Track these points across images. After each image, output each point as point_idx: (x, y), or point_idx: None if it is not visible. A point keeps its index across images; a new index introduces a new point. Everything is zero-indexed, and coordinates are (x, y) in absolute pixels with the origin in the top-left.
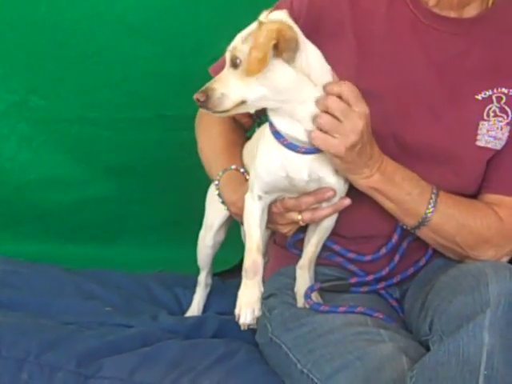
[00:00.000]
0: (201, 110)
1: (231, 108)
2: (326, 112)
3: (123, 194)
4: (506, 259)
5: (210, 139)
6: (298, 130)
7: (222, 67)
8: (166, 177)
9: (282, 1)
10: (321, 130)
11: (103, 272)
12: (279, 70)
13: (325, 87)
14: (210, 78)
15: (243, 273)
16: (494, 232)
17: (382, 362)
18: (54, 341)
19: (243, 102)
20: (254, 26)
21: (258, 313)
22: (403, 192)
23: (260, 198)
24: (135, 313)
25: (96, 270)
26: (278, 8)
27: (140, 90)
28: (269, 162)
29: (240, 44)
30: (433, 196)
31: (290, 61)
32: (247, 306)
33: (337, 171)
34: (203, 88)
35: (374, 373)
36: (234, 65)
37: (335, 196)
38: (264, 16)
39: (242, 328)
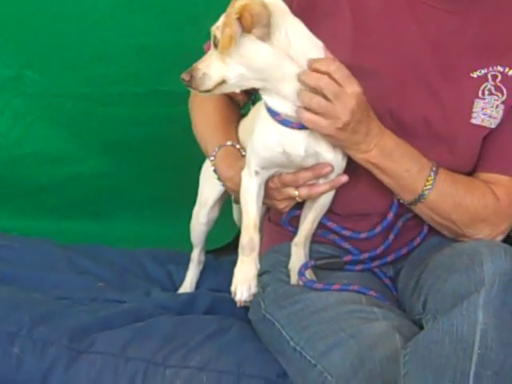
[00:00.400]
0: None
1: (213, 88)
2: (316, 92)
3: (117, 170)
4: (500, 238)
5: (204, 116)
6: (287, 107)
7: None
8: (160, 153)
9: None
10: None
11: (96, 247)
12: (253, 46)
13: (311, 64)
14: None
15: (240, 249)
16: (490, 211)
17: (375, 339)
18: (47, 315)
19: (224, 82)
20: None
21: (254, 289)
22: (402, 168)
23: (257, 173)
24: (128, 288)
25: (89, 246)
26: None
27: (135, 65)
28: (265, 138)
29: (220, 23)
30: (432, 174)
31: (264, 37)
32: (243, 282)
33: (335, 147)
34: (190, 68)
35: (368, 351)
36: (215, 44)
37: (333, 172)
38: None
39: (238, 305)
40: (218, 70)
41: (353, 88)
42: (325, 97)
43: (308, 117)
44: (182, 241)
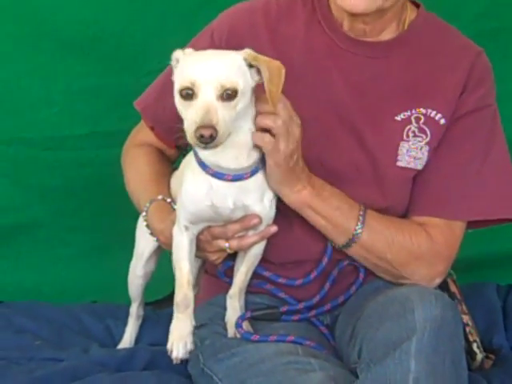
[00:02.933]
0: (128, 142)
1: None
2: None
3: (58, 219)
4: (439, 280)
5: (136, 171)
6: (227, 157)
7: (149, 101)
8: (100, 198)
9: (202, 32)
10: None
11: (34, 304)
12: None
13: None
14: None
15: (174, 307)
16: (424, 249)
17: None
18: None
19: (229, 135)
20: (230, 57)
21: (190, 346)
22: (332, 207)
23: (187, 228)
24: (66, 346)
25: (26, 303)
26: (199, 38)
27: (76, 107)
28: (194, 192)
29: (232, 78)
30: (361, 212)
31: None
32: (179, 339)
33: (263, 198)
34: (205, 123)
35: None
36: (226, 98)
37: (261, 223)
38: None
39: (175, 362)
40: (231, 123)
41: (296, 120)
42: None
43: (268, 138)
44: (123, 293)
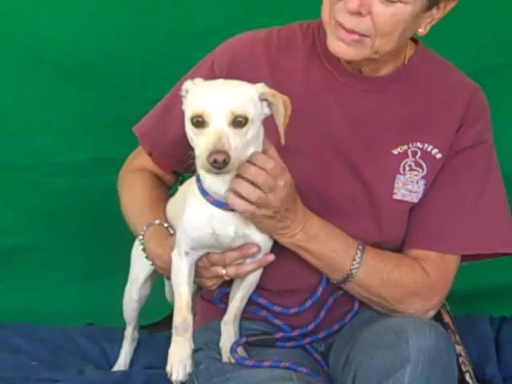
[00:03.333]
0: (124, 168)
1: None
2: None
3: (55, 242)
4: (433, 312)
5: (133, 196)
6: (222, 189)
7: (148, 127)
8: (98, 222)
9: (202, 61)
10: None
11: (30, 326)
12: None
13: (252, 157)
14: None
15: (173, 330)
16: (420, 285)
17: None
18: None
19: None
20: (239, 87)
21: (189, 369)
22: (328, 249)
23: (187, 254)
24: (61, 367)
25: (23, 324)
26: (199, 68)
27: (74, 134)
28: (196, 219)
29: (244, 106)
30: (358, 252)
31: None
32: (179, 362)
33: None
34: (218, 148)
35: None
36: (237, 125)
37: (260, 252)
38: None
39: None
40: (242, 150)
41: (285, 179)
42: (259, 188)
43: (241, 204)
44: (119, 316)
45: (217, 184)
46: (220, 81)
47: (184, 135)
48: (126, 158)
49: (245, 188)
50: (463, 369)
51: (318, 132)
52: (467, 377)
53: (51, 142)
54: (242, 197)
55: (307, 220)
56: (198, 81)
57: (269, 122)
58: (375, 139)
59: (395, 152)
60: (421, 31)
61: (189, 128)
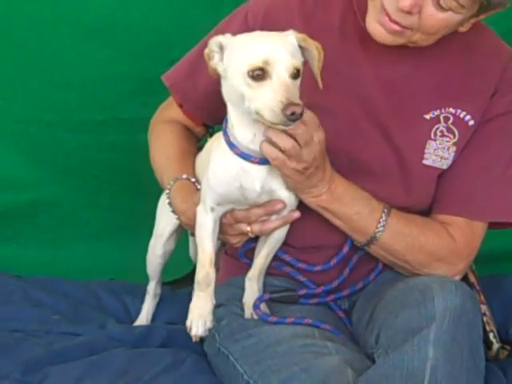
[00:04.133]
0: (155, 118)
1: None
2: (290, 136)
3: (77, 198)
4: (458, 277)
5: (162, 147)
6: (254, 143)
7: (178, 77)
8: (120, 180)
9: (236, 12)
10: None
11: (52, 279)
12: None
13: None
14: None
15: (195, 285)
16: (446, 251)
17: (327, 374)
18: (0, 349)
19: None
20: (288, 38)
21: (209, 324)
22: (352, 211)
23: (212, 209)
24: (83, 321)
25: (45, 278)
26: (232, 18)
27: (96, 93)
28: (223, 172)
29: (294, 57)
30: (383, 215)
31: None
32: (199, 317)
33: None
34: (293, 100)
35: None
36: (295, 77)
37: (285, 209)
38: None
39: (194, 339)
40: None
41: (319, 136)
42: (296, 141)
43: (276, 155)
44: (140, 272)
45: (248, 135)
46: (260, 33)
47: (214, 87)
48: (148, 118)
49: (281, 138)
50: (487, 328)
51: (349, 92)
52: (491, 336)
53: (72, 100)
54: (276, 146)
55: (333, 181)
56: (229, 36)
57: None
58: (407, 103)
59: (427, 117)
60: (461, 29)
61: (241, 82)
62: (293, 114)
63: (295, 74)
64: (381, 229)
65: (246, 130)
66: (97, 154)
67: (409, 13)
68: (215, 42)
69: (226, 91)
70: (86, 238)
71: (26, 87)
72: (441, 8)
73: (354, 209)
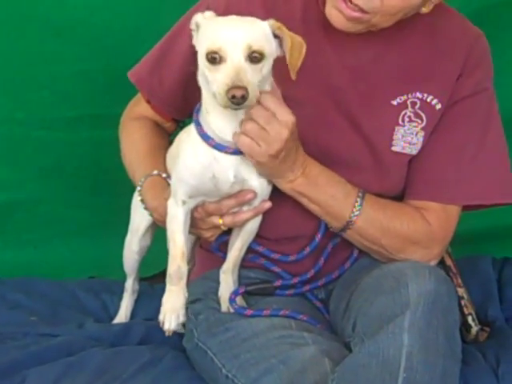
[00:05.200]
0: (125, 115)
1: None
2: (252, 119)
3: (52, 196)
4: (434, 262)
5: (132, 144)
6: (229, 131)
7: (143, 73)
8: (94, 177)
9: (197, 5)
10: (247, 135)
11: (29, 280)
12: None
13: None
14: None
15: (167, 278)
16: (421, 235)
17: (304, 364)
18: None
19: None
20: (253, 23)
21: (182, 318)
22: (327, 195)
23: (184, 202)
24: (61, 321)
25: (21, 279)
26: (193, 11)
27: (67, 90)
28: (195, 163)
29: (260, 41)
30: (358, 199)
31: None
32: (172, 311)
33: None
34: (237, 83)
35: (298, 376)
36: (253, 60)
37: (256, 198)
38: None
39: (167, 334)
40: (260, 84)
41: (285, 116)
42: (259, 124)
43: (243, 140)
44: (117, 269)
45: (223, 124)
46: (233, 16)
47: (180, 82)
48: (119, 114)
49: (244, 123)
50: (465, 311)
51: (316, 82)
52: (469, 319)
53: (43, 98)
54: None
55: (307, 165)
56: (209, 15)
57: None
58: (374, 89)
59: (394, 103)
60: (424, 10)
61: (203, 65)
62: (233, 97)
63: (256, 58)
64: (356, 213)
65: (220, 116)
66: (70, 150)
67: None
68: (194, 19)
69: (199, 74)
70: (63, 237)
71: None
72: None
73: (328, 192)
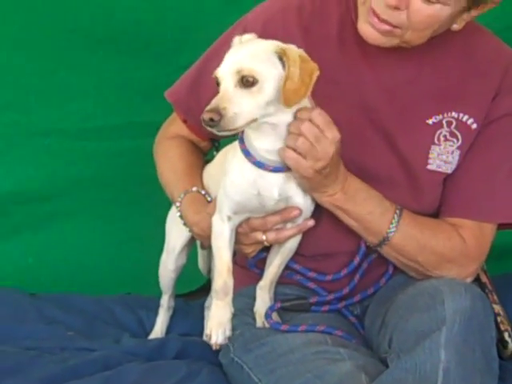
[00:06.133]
0: (160, 135)
1: (243, 126)
2: (302, 135)
3: (93, 208)
4: (470, 279)
5: (169, 162)
6: (270, 147)
7: (181, 92)
8: (136, 186)
9: (236, 24)
10: (294, 151)
11: (66, 296)
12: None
13: (297, 112)
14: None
15: (213, 294)
16: (457, 253)
17: (341, 380)
18: (15, 367)
19: (255, 120)
20: (253, 46)
21: (229, 333)
22: (365, 211)
23: (229, 218)
24: (98, 336)
25: (59, 295)
26: (232, 31)
27: (109, 99)
28: (241, 180)
29: (251, 65)
30: (395, 216)
31: None
32: (219, 326)
33: (305, 192)
34: (212, 107)
35: None
36: (246, 84)
37: (300, 215)
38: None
39: (214, 348)
40: (252, 109)
41: (332, 133)
42: (307, 140)
43: (291, 155)
44: (153, 285)
45: (263, 142)
46: (250, 39)
47: None
48: (161, 122)
49: (291, 137)
50: (502, 328)
51: (352, 102)
52: (506, 336)
53: (87, 108)
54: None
55: (346, 180)
56: (247, 37)
57: None
58: (410, 109)
59: (430, 122)
60: (455, 27)
61: None
62: (203, 119)
63: (248, 82)
64: (393, 229)
65: (259, 134)
66: (113, 160)
67: (396, 8)
68: (233, 42)
69: None
70: (100, 252)
71: (41, 99)
72: (428, 1)
73: (367, 208)
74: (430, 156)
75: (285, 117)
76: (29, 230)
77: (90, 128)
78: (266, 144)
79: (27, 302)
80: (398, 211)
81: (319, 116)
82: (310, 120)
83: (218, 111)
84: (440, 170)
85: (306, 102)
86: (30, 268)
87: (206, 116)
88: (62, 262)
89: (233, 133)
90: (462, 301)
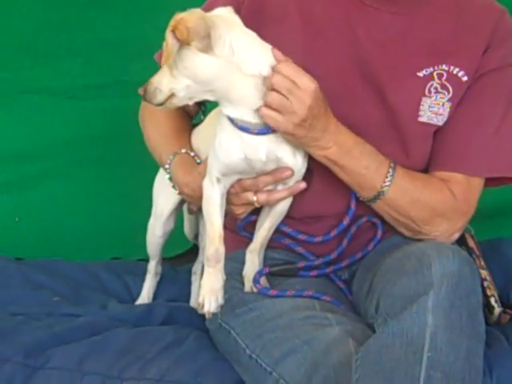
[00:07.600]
0: None
1: (164, 101)
2: (274, 90)
3: (78, 168)
4: (457, 235)
5: (156, 126)
6: (243, 113)
7: None
8: (124, 145)
9: None
10: (270, 107)
11: (52, 262)
12: (195, 58)
13: (273, 67)
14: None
15: (205, 261)
16: (447, 207)
17: (328, 345)
18: (1, 332)
19: (173, 95)
20: None
21: (221, 300)
22: (361, 165)
23: (219, 180)
24: (84, 302)
25: (44, 260)
26: None
27: (99, 58)
28: (227, 145)
29: (167, 39)
30: (390, 170)
31: (206, 49)
32: (211, 293)
33: (295, 151)
34: (146, 82)
35: (321, 356)
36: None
37: (292, 176)
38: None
39: (207, 316)
40: (168, 83)
41: (305, 83)
42: (282, 94)
43: (266, 112)
44: (141, 249)
45: (232, 110)
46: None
47: None
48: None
49: (265, 94)
50: (488, 293)
51: (342, 55)
52: (492, 301)
53: (77, 66)
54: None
55: (341, 133)
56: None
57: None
58: (401, 62)
59: (421, 74)
60: None
61: None
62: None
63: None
64: (388, 183)
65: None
66: (101, 119)
67: None
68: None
69: None
70: (87, 214)
71: (30, 56)
72: None
73: (362, 163)
74: (421, 108)
75: (236, 90)
76: (16, 188)
77: (79, 86)
78: (233, 112)
79: (12, 267)
80: (392, 165)
81: (287, 67)
82: (279, 72)
83: (145, 86)
84: (431, 122)
85: (269, 57)
86: (16, 227)
87: (138, 90)
88: (48, 222)
89: (162, 107)
90: (450, 265)
